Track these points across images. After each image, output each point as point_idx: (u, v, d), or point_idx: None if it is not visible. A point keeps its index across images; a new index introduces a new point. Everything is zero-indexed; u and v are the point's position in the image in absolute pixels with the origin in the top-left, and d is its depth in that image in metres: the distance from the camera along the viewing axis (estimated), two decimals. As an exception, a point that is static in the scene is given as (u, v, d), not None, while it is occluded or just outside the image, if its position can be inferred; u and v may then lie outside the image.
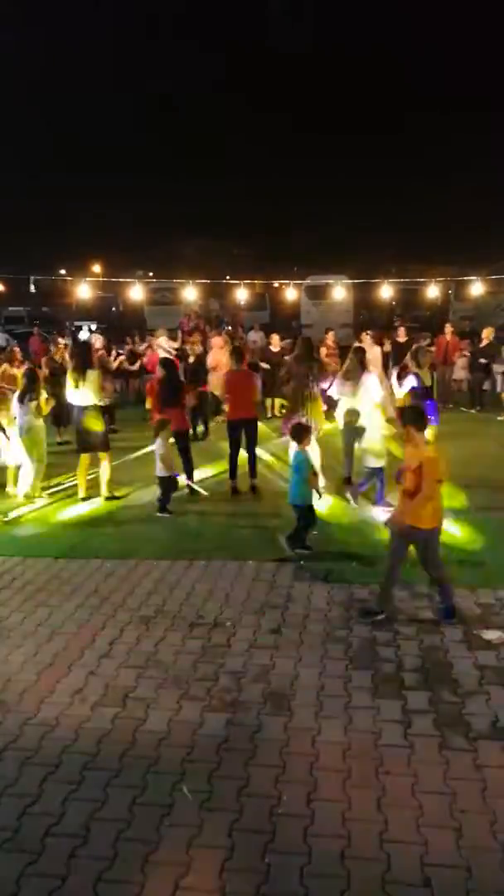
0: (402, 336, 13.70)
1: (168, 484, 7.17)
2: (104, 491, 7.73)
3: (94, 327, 26.66)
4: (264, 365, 12.06)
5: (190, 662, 4.29)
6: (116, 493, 7.81)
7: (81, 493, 7.71)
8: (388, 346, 13.73)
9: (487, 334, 13.49)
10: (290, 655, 4.34)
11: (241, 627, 4.73)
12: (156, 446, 7.18)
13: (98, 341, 11.91)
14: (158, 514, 7.12)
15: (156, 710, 3.82)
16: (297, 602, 5.08)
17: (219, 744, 3.52)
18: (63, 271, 35.19)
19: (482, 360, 13.33)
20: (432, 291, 18.94)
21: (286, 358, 12.97)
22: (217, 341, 12.95)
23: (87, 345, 8.11)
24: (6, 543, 6.48)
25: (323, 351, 12.53)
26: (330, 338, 13.55)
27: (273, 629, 4.69)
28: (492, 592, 5.14)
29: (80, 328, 26.05)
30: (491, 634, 4.53)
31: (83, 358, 7.83)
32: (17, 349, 9.64)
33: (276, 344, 13.18)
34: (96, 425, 7.70)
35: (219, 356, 12.35)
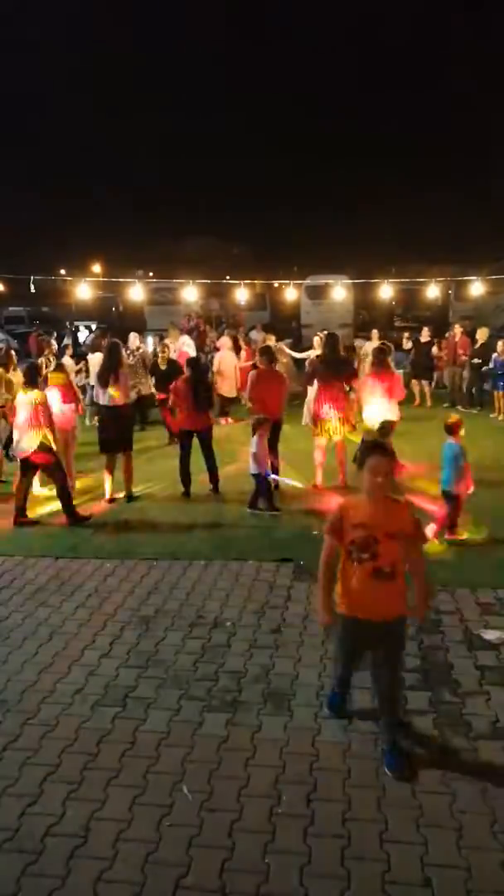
0: (424, 336, 14.04)
1: (260, 482, 7.23)
2: (128, 490, 7.73)
3: (94, 327, 26.61)
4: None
5: (190, 662, 4.30)
6: (134, 493, 7.82)
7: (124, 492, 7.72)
8: (408, 345, 14.20)
9: (482, 335, 13.50)
10: (290, 655, 4.34)
11: (241, 627, 4.73)
12: (252, 444, 7.20)
13: (136, 340, 11.83)
14: (249, 511, 7.19)
15: (156, 710, 3.82)
16: (297, 602, 5.08)
17: (219, 744, 3.52)
18: (63, 271, 35.16)
19: (476, 361, 13.38)
20: (432, 291, 18.91)
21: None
22: (225, 342, 12.91)
23: (116, 345, 8.08)
24: (6, 543, 6.48)
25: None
26: None
27: (273, 629, 4.69)
28: (492, 592, 5.14)
29: (78, 328, 26.00)
30: (491, 634, 4.53)
31: (113, 359, 7.77)
32: (12, 352, 9.52)
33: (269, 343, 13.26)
34: (126, 425, 7.72)
35: (226, 358, 12.34)
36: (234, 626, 4.76)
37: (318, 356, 8.21)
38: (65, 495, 6.96)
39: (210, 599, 5.18)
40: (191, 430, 7.91)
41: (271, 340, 13.24)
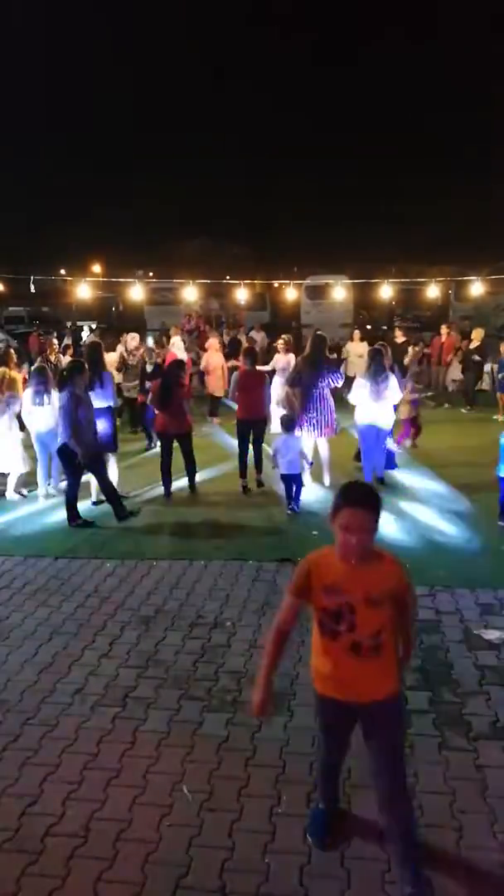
0: (399, 336, 13.89)
1: (299, 481, 7.18)
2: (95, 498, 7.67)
3: (93, 327, 26.64)
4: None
5: (190, 662, 4.29)
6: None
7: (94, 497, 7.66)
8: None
9: (477, 335, 13.51)
10: (290, 655, 4.32)
11: (241, 627, 4.73)
12: (284, 444, 7.11)
13: (134, 340, 11.80)
14: (288, 511, 7.15)
15: (156, 710, 3.82)
16: (297, 602, 5.07)
17: (219, 744, 3.52)
18: (63, 271, 35.19)
19: (476, 359, 13.34)
20: (432, 291, 18.92)
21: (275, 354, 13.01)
22: (213, 343, 12.93)
23: (98, 345, 8.03)
24: (6, 543, 6.48)
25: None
26: None
27: (273, 629, 4.68)
28: (492, 592, 5.14)
29: (80, 328, 26.03)
30: (491, 634, 4.53)
31: (97, 360, 7.69)
32: (12, 351, 9.58)
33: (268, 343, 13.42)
34: (111, 426, 7.70)
35: (213, 358, 12.33)
36: (234, 626, 4.76)
37: (303, 357, 8.17)
38: (71, 496, 6.96)
39: (210, 599, 5.18)
40: (166, 432, 7.88)
41: (281, 342, 13.08)
